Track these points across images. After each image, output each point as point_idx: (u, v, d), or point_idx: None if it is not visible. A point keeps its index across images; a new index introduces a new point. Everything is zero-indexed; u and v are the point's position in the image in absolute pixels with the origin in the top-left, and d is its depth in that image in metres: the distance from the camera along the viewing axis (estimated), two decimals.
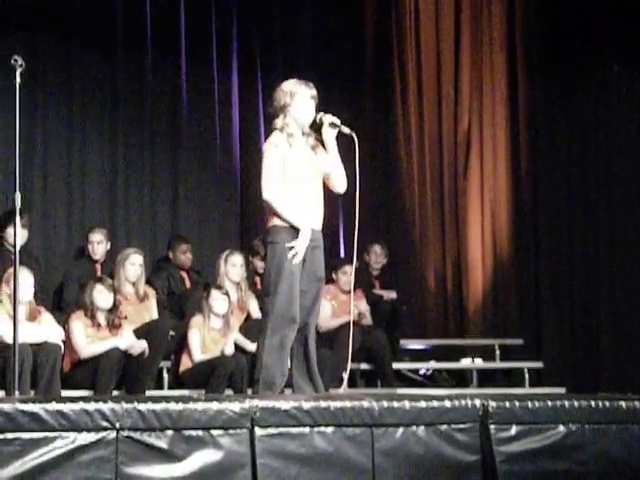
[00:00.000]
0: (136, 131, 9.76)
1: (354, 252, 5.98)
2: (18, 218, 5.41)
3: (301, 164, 5.69)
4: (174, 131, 9.96)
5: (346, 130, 5.80)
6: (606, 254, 10.11)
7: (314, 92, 5.80)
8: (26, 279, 7.19)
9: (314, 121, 5.80)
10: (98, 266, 8.57)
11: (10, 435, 3.90)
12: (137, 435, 4.14)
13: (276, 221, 5.67)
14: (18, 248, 5.45)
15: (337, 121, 5.79)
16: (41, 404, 3.99)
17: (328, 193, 5.94)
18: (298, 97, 5.75)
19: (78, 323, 7.52)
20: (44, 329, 7.20)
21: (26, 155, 8.98)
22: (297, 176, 5.68)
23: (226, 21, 10.22)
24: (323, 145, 5.84)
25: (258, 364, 5.65)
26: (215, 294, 7.94)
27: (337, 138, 5.87)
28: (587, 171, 10.39)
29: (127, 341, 7.50)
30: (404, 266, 10.62)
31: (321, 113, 5.79)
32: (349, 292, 8.94)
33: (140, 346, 7.47)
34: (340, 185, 5.87)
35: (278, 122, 5.77)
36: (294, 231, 5.62)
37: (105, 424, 4.08)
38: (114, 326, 7.61)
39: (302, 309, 5.71)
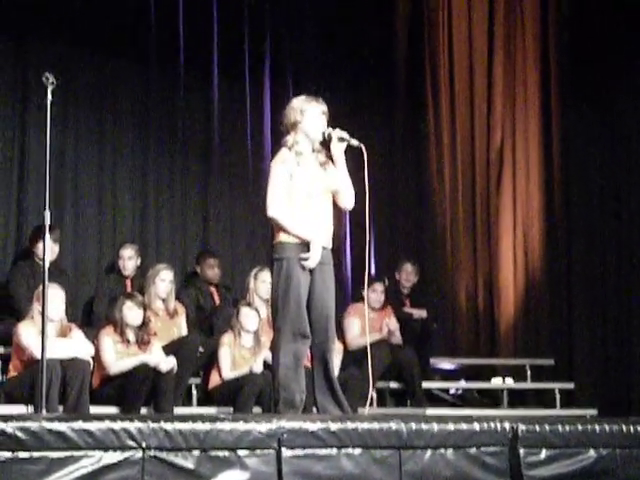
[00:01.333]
0: (168, 147, 9.79)
1: (366, 269, 5.87)
2: (47, 236, 5.40)
3: (309, 182, 5.65)
4: (206, 147, 9.98)
5: (354, 142, 5.72)
6: None
7: (324, 108, 5.76)
8: (57, 296, 7.21)
9: (323, 137, 5.75)
10: (128, 282, 8.58)
11: (36, 454, 3.88)
12: (163, 455, 4.10)
13: (282, 237, 5.63)
14: (47, 264, 5.44)
15: (345, 135, 5.73)
16: (67, 422, 3.97)
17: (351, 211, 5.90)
18: (308, 113, 5.71)
19: (107, 339, 7.52)
20: (74, 345, 7.20)
21: (58, 170, 9.03)
22: (304, 194, 5.64)
23: (259, 37, 10.23)
24: (333, 162, 5.79)
25: (275, 383, 5.62)
26: (245, 311, 7.92)
27: (346, 153, 5.80)
28: (621, 190, 10.33)
29: (156, 357, 7.49)
30: (435, 284, 10.57)
31: (329, 128, 5.74)
32: (379, 310, 8.94)
33: (169, 363, 7.45)
34: (347, 202, 5.79)
35: (289, 140, 5.74)
36: (302, 246, 5.57)
37: (131, 443, 4.05)
38: (143, 342, 7.60)
39: (317, 327, 5.66)
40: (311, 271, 5.61)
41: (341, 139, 5.71)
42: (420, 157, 10.95)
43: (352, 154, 5.82)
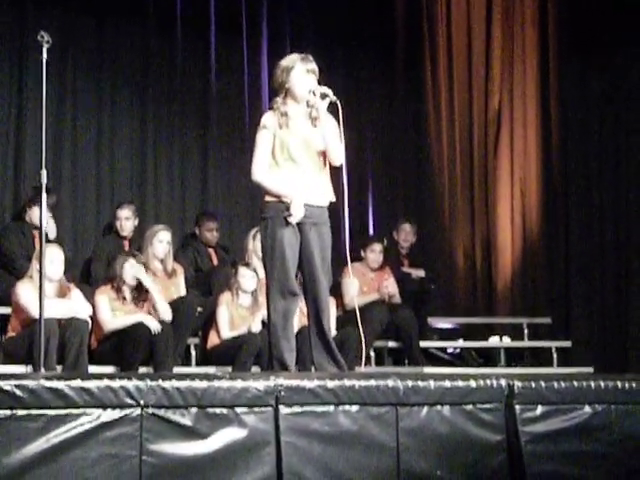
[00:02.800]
0: (166, 108, 9.77)
1: (347, 226, 5.83)
2: (45, 195, 5.41)
3: (293, 142, 5.64)
4: (204, 109, 9.97)
5: (333, 98, 5.68)
6: (638, 233, 10.03)
7: (312, 65, 5.72)
8: (57, 256, 7.23)
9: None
10: (126, 242, 8.60)
11: (35, 411, 3.90)
12: (161, 412, 4.13)
13: (266, 197, 5.65)
14: (44, 225, 5.45)
15: (328, 91, 5.69)
16: (65, 381, 3.99)
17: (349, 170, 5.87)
18: (294, 72, 5.69)
19: (103, 297, 7.56)
20: (72, 305, 7.22)
21: (55, 132, 9.04)
22: (288, 154, 5.64)
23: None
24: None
25: (269, 341, 5.68)
26: (243, 271, 7.94)
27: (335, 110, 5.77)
28: (619, 149, 10.31)
29: (152, 319, 7.52)
30: (433, 244, 10.60)
31: (314, 86, 5.71)
32: (377, 270, 8.96)
33: (166, 315, 7.51)
34: (335, 158, 5.74)
35: (276, 100, 5.75)
36: (286, 205, 5.57)
37: (130, 401, 4.07)
38: (141, 300, 7.63)
39: (310, 286, 5.67)
40: (302, 230, 5.62)
41: (323, 95, 5.69)
42: (418, 118, 10.93)
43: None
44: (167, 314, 7.60)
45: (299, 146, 5.66)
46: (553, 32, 10.76)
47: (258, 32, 10.19)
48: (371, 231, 10.33)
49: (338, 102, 5.65)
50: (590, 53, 10.54)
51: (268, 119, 5.71)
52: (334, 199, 5.80)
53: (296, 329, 6.07)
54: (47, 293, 6.95)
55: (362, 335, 5.96)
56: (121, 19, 9.52)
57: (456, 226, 10.71)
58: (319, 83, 5.73)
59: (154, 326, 7.42)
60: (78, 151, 9.32)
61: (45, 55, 5.41)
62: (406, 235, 9.77)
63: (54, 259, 7.13)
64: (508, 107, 10.82)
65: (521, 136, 10.76)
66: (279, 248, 5.58)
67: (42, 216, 5.45)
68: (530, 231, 10.59)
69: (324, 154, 5.74)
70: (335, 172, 5.85)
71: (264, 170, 5.64)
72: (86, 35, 9.43)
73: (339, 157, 5.74)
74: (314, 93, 5.67)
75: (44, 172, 5.43)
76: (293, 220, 5.57)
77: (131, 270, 7.60)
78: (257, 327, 7.79)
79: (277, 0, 10.31)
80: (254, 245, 8.27)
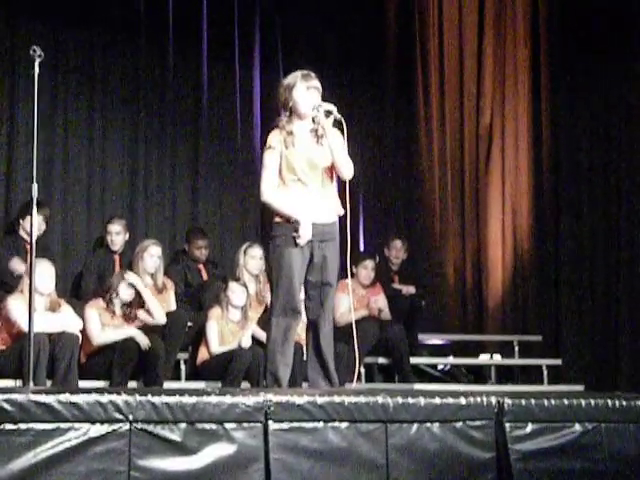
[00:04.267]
0: (157, 123, 9.77)
1: (347, 244, 5.85)
2: (35, 208, 5.41)
3: (300, 161, 5.68)
4: (195, 123, 9.96)
5: (337, 115, 5.73)
6: (627, 251, 10.05)
7: (314, 82, 5.76)
8: (47, 271, 7.23)
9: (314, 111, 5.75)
10: (117, 257, 8.58)
11: (23, 426, 3.90)
12: (150, 427, 4.13)
13: (276, 218, 5.72)
14: (35, 238, 5.45)
15: (333, 108, 5.73)
16: (54, 395, 3.99)
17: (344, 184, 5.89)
18: (296, 90, 5.73)
19: (93, 310, 7.55)
20: (63, 319, 7.21)
21: (47, 145, 9.04)
22: (295, 173, 5.68)
23: (248, 13, 10.20)
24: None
25: (266, 357, 5.73)
26: (233, 286, 7.94)
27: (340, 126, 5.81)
28: (610, 167, 10.33)
29: (142, 335, 7.51)
30: (424, 261, 10.60)
31: (318, 103, 5.74)
32: (368, 286, 8.95)
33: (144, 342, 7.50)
34: (344, 173, 5.77)
35: (281, 119, 5.78)
36: (293, 226, 5.62)
37: (118, 416, 4.07)
38: (130, 317, 7.62)
39: (315, 304, 5.74)
40: (311, 247, 5.67)
41: (328, 112, 5.72)
42: (410, 135, 10.95)
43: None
44: (162, 317, 7.61)
45: (305, 165, 5.70)
46: (545, 50, 10.79)
47: (250, 49, 10.21)
48: (362, 247, 10.33)
49: (342, 119, 5.68)
50: (581, 71, 10.57)
51: (274, 138, 5.74)
52: (342, 212, 5.83)
53: None
54: (37, 307, 6.97)
55: (357, 351, 5.98)
56: (113, 35, 9.51)
57: (447, 243, 10.72)
58: (322, 100, 5.75)
59: (144, 342, 7.41)
60: (69, 165, 9.31)
61: (37, 69, 5.41)
62: (397, 252, 9.78)
63: (44, 273, 7.12)
64: (499, 124, 10.84)
65: (512, 153, 10.78)
66: (287, 268, 5.63)
67: (32, 230, 5.44)
68: (521, 248, 10.60)
69: (330, 170, 5.78)
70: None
71: (273, 190, 5.69)
72: (78, 50, 9.42)
73: (348, 172, 5.77)
74: (318, 110, 5.70)
75: (35, 186, 5.42)
76: (301, 242, 5.62)
77: (129, 278, 7.61)
78: (247, 342, 7.78)
79: (269, 17, 10.32)
80: (244, 260, 8.29)
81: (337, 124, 5.73)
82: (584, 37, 10.39)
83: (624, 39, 10.11)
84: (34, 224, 5.41)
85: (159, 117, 9.78)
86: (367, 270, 8.96)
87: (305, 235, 5.61)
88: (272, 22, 10.35)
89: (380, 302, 8.92)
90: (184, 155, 9.91)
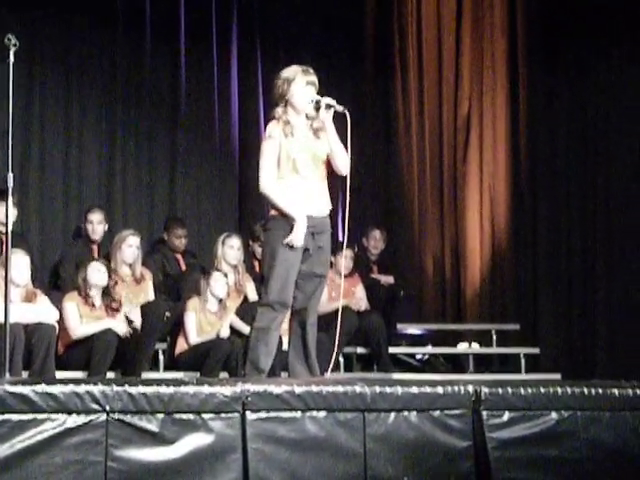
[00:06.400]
0: (134, 113, 9.73)
1: (345, 235, 5.92)
2: (10, 198, 5.38)
3: (298, 152, 5.69)
4: (173, 112, 9.94)
5: (339, 108, 5.76)
6: (604, 241, 10.09)
7: (312, 78, 5.78)
8: (22, 261, 7.20)
9: (313, 105, 5.76)
10: (95, 247, 8.55)
11: None
12: (127, 418, 4.12)
13: (272, 210, 5.74)
14: (10, 227, 5.42)
15: (332, 102, 5.76)
16: (30, 386, 3.98)
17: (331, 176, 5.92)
18: (295, 84, 5.74)
19: (71, 303, 7.51)
20: (39, 310, 7.18)
21: (23, 134, 8.99)
22: (293, 165, 5.69)
23: (226, 1, 10.16)
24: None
25: (247, 346, 5.74)
26: (216, 276, 7.92)
27: (334, 119, 5.82)
28: (587, 157, 10.36)
29: (120, 325, 7.49)
30: (402, 251, 10.62)
31: (317, 96, 5.76)
32: (346, 276, 8.95)
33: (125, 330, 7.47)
34: (341, 167, 5.82)
35: (278, 111, 5.77)
36: (290, 220, 5.63)
37: (95, 406, 4.06)
38: (110, 308, 7.60)
39: (304, 293, 5.75)
40: (306, 239, 5.65)
41: (328, 106, 5.73)
42: (388, 125, 10.95)
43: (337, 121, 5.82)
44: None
45: (304, 158, 5.71)
46: (522, 40, 10.80)
47: (228, 38, 10.18)
48: (340, 237, 10.32)
49: (347, 111, 5.69)
50: (558, 61, 10.58)
51: (273, 128, 5.73)
52: (331, 207, 5.86)
53: None
54: (13, 298, 6.93)
55: (337, 341, 6.01)
56: (89, 22, 9.46)
57: (425, 233, 10.73)
58: (319, 95, 5.76)
59: (123, 330, 7.39)
60: (45, 155, 9.26)
61: (12, 58, 5.37)
62: (376, 242, 9.79)
63: (19, 264, 7.09)
64: (477, 114, 10.85)
65: (490, 143, 10.80)
66: (282, 264, 5.62)
67: (8, 219, 5.41)
68: (499, 238, 10.62)
69: (326, 164, 5.79)
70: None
71: (272, 182, 5.68)
72: (53, 39, 9.37)
73: (346, 167, 5.81)
74: (317, 103, 5.70)
75: (10, 175, 5.39)
76: (295, 244, 5.60)
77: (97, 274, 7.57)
78: (225, 332, 7.78)
79: (247, 6, 10.29)
80: (223, 251, 8.28)
81: (341, 117, 5.73)
82: (562, 26, 10.41)
83: (602, 26, 10.12)
84: (10, 214, 5.37)
85: (136, 107, 9.74)
86: (346, 260, 8.95)
87: (298, 241, 5.60)
88: (250, 11, 10.31)
89: (358, 292, 8.93)
90: (162, 145, 9.88)
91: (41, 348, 6.91)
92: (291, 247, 5.61)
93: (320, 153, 5.77)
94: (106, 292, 7.63)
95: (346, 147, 5.76)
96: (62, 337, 7.42)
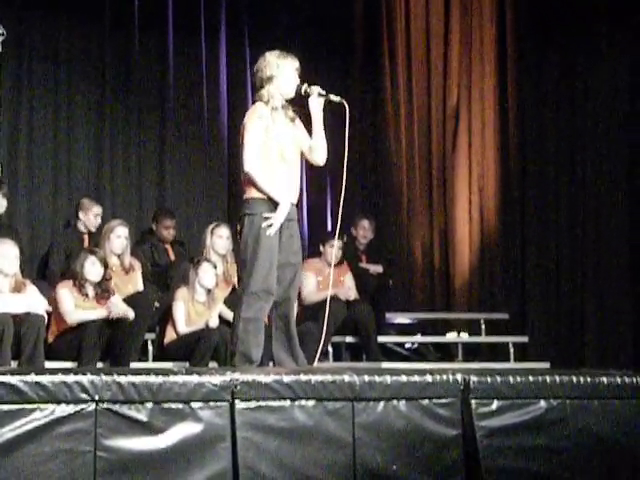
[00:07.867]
0: (123, 103, 9.73)
1: (337, 225, 5.93)
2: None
3: (283, 138, 5.67)
4: (161, 103, 9.93)
5: (336, 98, 5.74)
6: (593, 230, 10.10)
7: (298, 64, 5.77)
8: (11, 251, 7.19)
9: (299, 92, 5.74)
10: (85, 237, 8.55)
11: None
12: (116, 407, 4.12)
13: (254, 193, 5.64)
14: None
15: (323, 91, 5.75)
16: (19, 375, 3.97)
17: (309, 167, 5.92)
18: (283, 68, 5.71)
19: (66, 290, 7.50)
20: (28, 300, 7.17)
21: (12, 125, 8.96)
22: (278, 150, 5.65)
23: None
24: (300, 117, 5.80)
25: (234, 337, 5.66)
26: (205, 266, 7.91)
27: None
28: (575, 146, 10.36)
29: (117, 307, 7.47)
30: (391, 240, 10.62)
31: (305, 84, 5.74)
32: (335, 266, 8.95)
33: (124, 311, 7.44)
34: (321, 158, 5.82)
35: (264, 94, 5.72)
36: (272, 204, 5.60)
37: (84, 396, 4.06)
38: (103, 298, 7.59)
39: (282, 283, 5.70)
40: (281, 227, 5.62)
41: (321, 95, 5.71)
42: (377, 114, 10.94)
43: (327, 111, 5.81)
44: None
45: (287, 142, 5.68)
46: (511, 29, 10.79)
47: (216, 28, 10.17)
48: (329, 227, 10.33)
49: (344, 102, 5.69)
50: (548, 51, 10.59)
51: (262, 109, 5.68)
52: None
53: None
54: (2, 288, 6.95)
55: (324, 330, 6.00)
56: (78, 13, 9.44)
57: (414, 222, 10.74)
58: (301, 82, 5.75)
59: (121, 311, 7.36)
60: (34, 145, 9.25)
61: (0, 48, 5.35)
62: (364, 231, 9.78)
63: (8, 254, 7.08)
64: (466, 104, 10.85)
65: (479, 133, 10.79)
66: (265, 248, 5.56)
67: None
68: (487, 227, 10.63)
69: (300, 153, 5.77)
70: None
71: (257, 162, 5.61)
72: (42, 29, 9.35)
73: (324, 157, 5.80)
74: (307, 92, 5.68)
75: None
76: (271, 231, 5.55)
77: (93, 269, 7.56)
78: (214, 322, 7.77)
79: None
80: (212, 240, 8.27)
81: (335, 107, 5.73)
82: (551, 15, 10.41)
83: (592, 18, 10.13)
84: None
85: (125, 97, 9.74)
86: (335, 249, 8.95)
87: (278, 222, 5.55)
88: (238, 1, 10.30)
89: (347, 281, 8.93)
90: (151, 136, 9.87)
91: (30, 338, 6.89)
92: (270, 229, 5.54)
93: (298, 141, 5.75)
94: (99, 283, 7.62)
95: (343, 139, 5.75)
96: (52, 327, 7.42)
